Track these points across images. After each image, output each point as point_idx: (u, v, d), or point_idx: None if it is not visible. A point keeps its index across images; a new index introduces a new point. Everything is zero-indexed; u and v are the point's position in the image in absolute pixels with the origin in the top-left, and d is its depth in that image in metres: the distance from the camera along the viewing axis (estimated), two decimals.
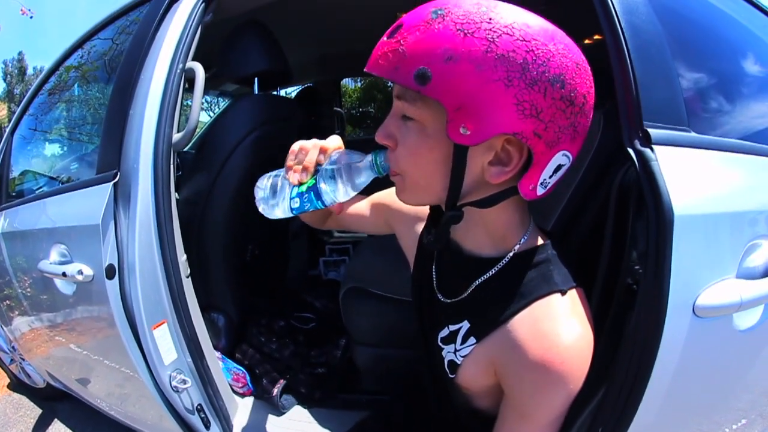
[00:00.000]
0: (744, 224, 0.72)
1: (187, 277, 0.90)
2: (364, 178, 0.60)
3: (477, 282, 0.61)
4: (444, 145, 0.50)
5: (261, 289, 1.38)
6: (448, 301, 0.65)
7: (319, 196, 0.62)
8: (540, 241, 0.61)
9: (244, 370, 1.10)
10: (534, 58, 0.45)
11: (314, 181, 0.62)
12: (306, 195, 0.62)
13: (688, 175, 0.68)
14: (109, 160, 0.96)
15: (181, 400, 0.94)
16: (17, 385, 2.14)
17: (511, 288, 0.57)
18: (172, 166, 0.91)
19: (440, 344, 0.66)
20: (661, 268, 0.63)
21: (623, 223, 0.78)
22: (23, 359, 1.91)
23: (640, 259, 0.70)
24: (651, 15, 0.81)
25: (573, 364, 0.53)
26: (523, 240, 0.59)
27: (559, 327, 0.54)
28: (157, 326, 0.89)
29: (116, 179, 0.92)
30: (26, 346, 1.65)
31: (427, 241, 0.62)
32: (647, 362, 0.66)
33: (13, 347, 1.92)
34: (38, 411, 1.94)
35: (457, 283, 0.64)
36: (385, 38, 0.50)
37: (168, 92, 0.94)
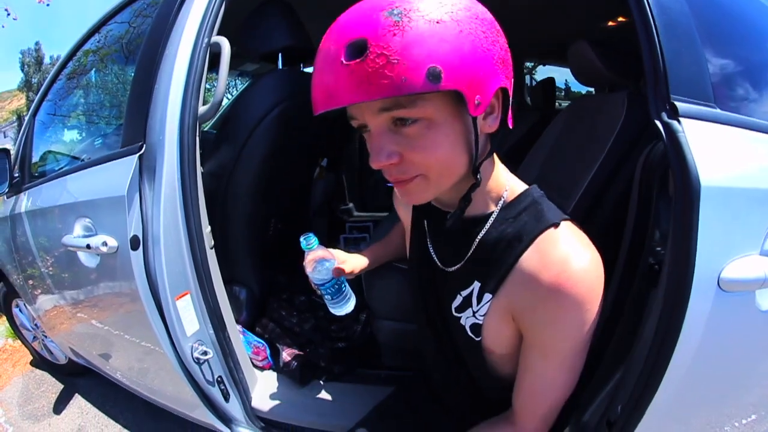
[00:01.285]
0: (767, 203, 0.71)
1: (211, 248, 0.89)
2: (322, 275, 0.77)
3: (476, 240, 0.62)
4: (456, 125, 0.52)
5: (283, 264, 1.37)
6: (452, 269, 0.66)
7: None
8: (523, 187, 0.63)
9: (265, 344, 1.09)
10: (483, 22, 0.50)
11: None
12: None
13: (714, 149, 0.68)
14: (134, 134, 0.95)
15: (201, 371, 0.93)
16: (40, 362, 2.17)
17: (508, 236, 0.59)
18: (197, 138, 0.89)
19: (455, 314, 0.66)
20: (688, 238, 0.63)
21: (647, 202, 0.77)
22: (45, 336, 1.92)
23: (663, 240, 0.70)
24: None
25: (585, 286, 0.53)
26: (506, 191, 0.61)
27: (565, 254, 0.55)
28: (180, 297, 0.87)
29: (142, 151, 0.90)
30: (49, 323, 1.66)
31: (451, 223, 0.61)
32: (671, 337, 0.65)
33: (36, 325, 1.93)
34: (60, 386, 1.96)
35: (456, 249, 0.65)
36: (345, 61, 0.46)
37: (194, 66, 0.92)
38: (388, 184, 0.60)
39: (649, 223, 0.75)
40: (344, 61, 0.46)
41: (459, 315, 0.65)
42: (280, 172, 1.20)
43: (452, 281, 0.66)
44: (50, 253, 1.33)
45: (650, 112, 0.71)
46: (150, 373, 1.16)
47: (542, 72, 3.14)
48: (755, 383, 0.78)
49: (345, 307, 0.80)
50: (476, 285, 0.62)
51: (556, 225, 0.58)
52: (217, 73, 0.93)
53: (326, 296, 0.79)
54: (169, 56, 0.97)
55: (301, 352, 1.13)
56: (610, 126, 1.04)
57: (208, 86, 1.05)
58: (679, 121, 0.67)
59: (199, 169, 0.88)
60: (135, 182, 0.90)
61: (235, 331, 0.93)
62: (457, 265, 0.65)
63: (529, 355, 0.61)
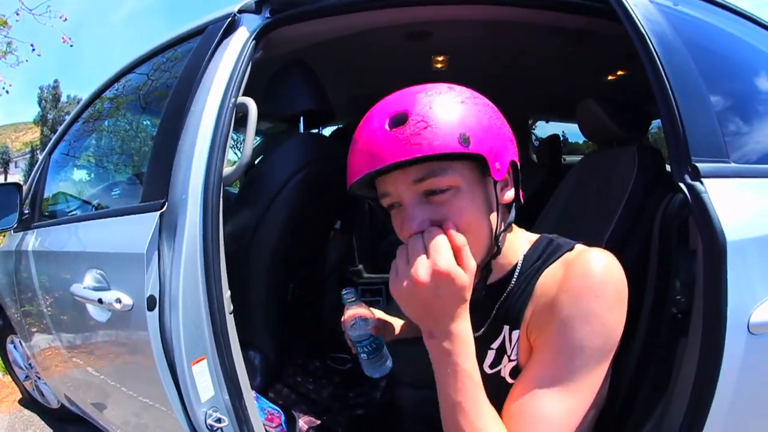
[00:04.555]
0: None
1: (230, 313, 0.82)
2: (360, 331, 0.73)
3: (501, 297, 0.62)
4: (479, 192, 0.54)
5: (298, 328, 1.30)
6: (477, 334, 0.62)
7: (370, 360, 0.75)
8: (534, 237, 0.64)
9: (280, 410, 1.00)
10: (493, 109, 0.56)
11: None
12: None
13: (734, 203, 0.70)
14: (156, 189, 0.89)
15: None
16: (29, 402, 2.01)
17: (530, 276, 0.60)
18: (221, 199, 0.84)
19: (490, 371, 0.61)
20: (718, 292, 0.65)
21: (667, 254, 0.78)
22: (39, 378, 1.78)
23: (684, 290, 0.72)
24: (684, 52, 0.83)
25: (598, 278, 0.53)
26: (524, 249, 0.63)
27: (585, 258, 0.55)
28: (196, 362, 0.79)
29: (164, 209, 0.84)
30: (44, 364, 1.53)
31: (477, 295, 0.59)
32: (710, 383, 0.65)
33: (30, 364, 1.80)
34: (48, 430, 1.80)
35: (480, 314, 0.63)
36: (389, 129, 0.51)
37: (220, 125, 0.87)
38: None
39: (670, 273, 0.76)
40: (387, 129, 0.51)
41: (496, 369, 0.61)
42: (301, 237, 1.16)
43: (482, 343, 0.63)
44: (54, 297, 1.24)
45: (673, 175, 0.72)
46: (149, 430, 1.06)
47: (539, 127, 3.19)
48: None
49: (381, 368, 0.75)
50: (506, 329, 0.61)
51: (571, 248, 0.59)
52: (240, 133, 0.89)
53: (362, 354, 0.74)
54: (195, 113, 0.93)
55: (318, 420, 1.04)
56: (624, 180, 1.05)
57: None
58: (701, 182, 0.69)
59: (222, 232, 0.83)
60: (155, 240, 0.83)
61: (251, 398, 0.84)
62: (482, 329, 0.63)
63: (531, 368, 0.55)
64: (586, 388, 0.51)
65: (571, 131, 3.09)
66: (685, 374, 0.71)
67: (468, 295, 0.50)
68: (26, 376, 1.92)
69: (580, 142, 3.35)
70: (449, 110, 0.51)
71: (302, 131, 1.15)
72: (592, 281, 0.52)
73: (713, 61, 0.96)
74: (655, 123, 1.87)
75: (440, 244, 0.49)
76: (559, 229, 1.23)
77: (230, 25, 1.03)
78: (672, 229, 0.77)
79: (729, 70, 1.02)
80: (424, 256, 0.49)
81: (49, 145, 1.64)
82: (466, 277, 0.49)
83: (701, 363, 0.66)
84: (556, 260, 0.58)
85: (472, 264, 0.50)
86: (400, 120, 0.50)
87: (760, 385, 0.72)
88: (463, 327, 0.51)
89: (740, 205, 0.71)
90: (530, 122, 3.03)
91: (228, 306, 0.82)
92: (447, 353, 0.50)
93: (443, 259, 0.48)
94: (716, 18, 1.08)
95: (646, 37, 0.80)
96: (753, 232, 0.69)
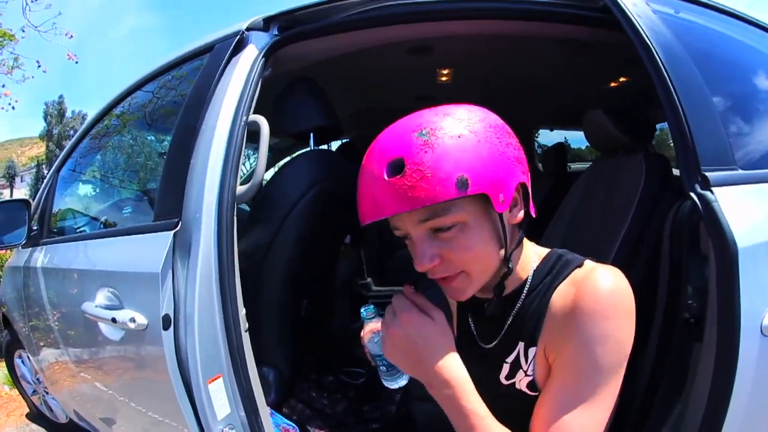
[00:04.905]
0: None
1: (246, 331, 0.82)
2: (377, 346, 0.70)
3: (513, 311, 0.62)
4: (486, 224, 0.55)
5: (310, 344, 1.29)
6: (490, 345, 0.65)
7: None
8: (544, 251, 0.64)
9: (295, 426, 0.99)
10: (495, 129, 0.55)
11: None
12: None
13: (743, 210, 0.71)
14: (169, 208, 0.89)
15: None
16: (36, 416, 1.99)
17: (542, 293, 0.60)
18: (235, 218, 0.84)
19: (506, 383, 0.63)
20: (731, 298, 0.66)
21: (678, 260, 0.78)
22: (47, 392, 1.77)
23: (696, 295, 0.73)
24: (689, 60, 0.84)
25: (617, 295, 0.54)
26: (535, 263, 0.63)
27: (593, 276, 0.56)
28: (212, 380, 0.79)
29: (178, 228, 0.85)
30: (53, 379, 1.52)
31: (491, 311, 0.64)
32: (726, 386, 0.66)
33: (38, 379, 1.79)
34: None
35: (494, 326, 0.65)
36: (387, 178, 0.52)
37: (233, 143, 0.87)
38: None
39: (681, 279, 0.76)
40: (386, 178, 0.52)
41: (511, 381, 0.62)
42: (313, 253, 1.15)
43: (496, 355, 0.65)
44: (64, 313, 1.24)
45: (683, 185, 0.73)
46: None
47: (541, 135, 3.19)
48: None
49: (399, 380, 0.75)
50: (521, 345, 0.61)
51: (581, 265, 0.60)
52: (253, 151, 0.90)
53: (381, 368, 0.75)
54: (207, 131, 0.93)
55: None
56: (633, 188, 1.05)
57: None
58: (711, 191, 0.69)
59: (236, 250, 0.83)
60: (169, 259, 0.83)
61: (266, 415, 0.84)
62: (496, 341, 0.65)
63: (553, 386, 0.56)
64: (607, 398, 0.54)
65: (573, 137, 3.09)
66: (699, 378, 0.72)
67: (448, 335, 0.58)
68: (34, 391, 1.91)
69: (583, 147, 3.35)
70: (445, 152, 0.51)
71: (312, 147, 1.15)
72: (603, 304, 0.54)
73: (715, 67, 0.97)
74: (657, 127, 1.87)
75: (401, 302, 0.59)
76: (567, 240, 1.24)
77: (239, 43, 1.03)
78: (682, 236, 0.77)
79: (731, 74, 1.03)
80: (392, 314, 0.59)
81: (57, 161, 1.64)
82: (430, 319, 0.57)
83: (717, 366, 0.67)
84: (566, 277, 0.59)
85: (435, 310, 0.59)
86: (396, 167, 0.51)
87: None
88: (455, 370, 0.57)
89: (749, 212, 0.72)
90: (533, 131, 3.04)
91: (243, 324, 0.81)
92: (449, 398, 0.56)
93: (404, 308, 0.58)
94: (716, 22, 1.08)
95: (651, 48, 0.81)
96: (762, 237, 0.71)
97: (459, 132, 0.52)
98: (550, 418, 0.54)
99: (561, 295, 0.58)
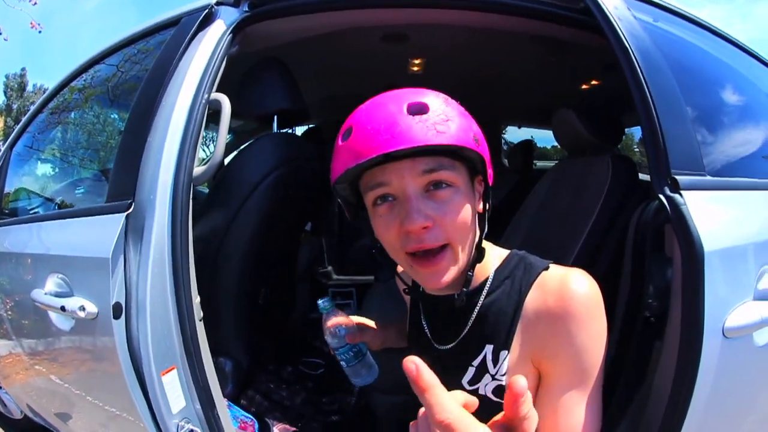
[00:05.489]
0: (756, 252, 0.77)
1: (200, 320, 0.77)
2: (337, 340, 0.72)
3: (475, 311, 0.61)
4: (470, 197, 0.56)
5: (268, 333, 1.25)
6: (448, 346, 0.64)
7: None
8: (505, 252, 0.64)
9: (253, 418, 0.95)
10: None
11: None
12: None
13: (710, 215, 0.72)
14: (122, 189, 0.83)
15: None
16: None
17: (506, 293, 0.60)
18: (190, 200, 0.79)
19: (469, 387, 0.60)
20: (696, 300, 0.66)
21: (640, 260, 0.79)
22: (0, 387, 1.67)
23: (657, 294, 0.73)
24: (665, 67, 0.84)
25: (590, 297, 0.55)
26: (495, 261, 0.63)
27: (562, 280, 0.56)
28: (166, 372, 0.74)
29: (130, 210, 0.79)
30: (5, 373, 1.43)
31: (460, 302, 0.60)
32: (688, 385, 0.67)
33: None
34: None
35: (452, 326, 0.63)
36: (409, 114, 0.51)
37: (192, 122, 0.82)
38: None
39: (643, 279, 0.76)
40: (407, 114, 0.50)
41: (475, 386, 0.60)
42: (273, 239, 1.11)
43: (456, 357, 0.62)
44: (15, 301, 1.15)
45: (653, 186, 0.73)
46: None
47: (508, 132, 3.19)
48: (758, 410, 0.82)
49: (365, 376, 0.75)
50: (488, 348, 0.60)
51: (546, 268, 0.60)
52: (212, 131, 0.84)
53: (341, 362, 0.74)
54: (166, 108, 0.87)
55: (292, 427, 1.00)
56: (598, 188, 1.05)
57: None
58: (680, 194, 0.70)
59: (191, 235, 0.78)
60: (120, 243, 0.77)
61: (223, 407, 0.80)
62: (455, 342, 0.63)
63: (556, 392, 0.55)
64: (600, 388, 0.56)
65: (540, 136, 3.10)
66: (659, 377, 0.72)
67: None
68: None
69: (549, 147, 3.38)
70: (462, 112, 0.54)
71: (275, 130, 1.10)
72: (588, 307, 0.55)
73: (688, 76, 0.97)
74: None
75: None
76: (531, 235, 1.24)
77: (206, 17, 0.97)
78: (646, 237, 0.78)
79: (701, 84, 1.04)
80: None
81: (11, 137, 1.53)
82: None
83: (679, 366, 0.68)
84: (533, 281, 0.59)
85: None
86: (420, 109, 0.51)
87: (732, 387, 0.74)
88: None
89: (715, 216, 0.73)
90: (501, 126, 3.04)
91: (198, 313, 0.77)
92: None
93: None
94: (689, 33, 1.10)
95: (630, 52, 0.81)
96: (726, 242, 0.72)
97: (461, 109, 0.55)
98: (561, 423, 0.54)
99: (534, 301, 0.57)
